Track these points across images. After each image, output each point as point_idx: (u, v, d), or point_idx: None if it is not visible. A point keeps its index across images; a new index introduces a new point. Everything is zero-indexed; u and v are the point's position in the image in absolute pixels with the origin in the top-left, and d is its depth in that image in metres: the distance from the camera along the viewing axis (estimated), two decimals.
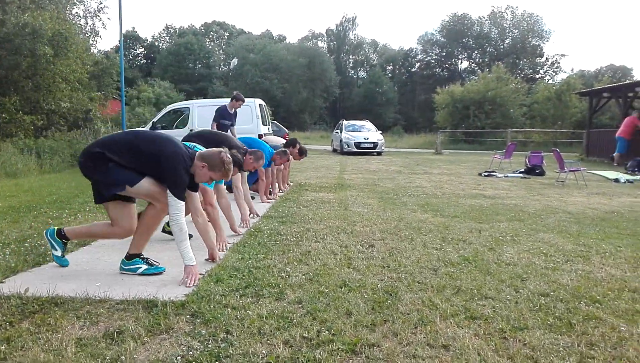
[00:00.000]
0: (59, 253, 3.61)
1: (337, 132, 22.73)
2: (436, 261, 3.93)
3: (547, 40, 65.64)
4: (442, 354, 2.33)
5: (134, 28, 59.77)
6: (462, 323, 2.70)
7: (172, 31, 61.34)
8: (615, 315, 2.85)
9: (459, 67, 58.01)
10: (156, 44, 60.57)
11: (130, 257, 3.50)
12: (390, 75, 59.37)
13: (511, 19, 55.06)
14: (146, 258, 3.54)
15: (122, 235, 3.52)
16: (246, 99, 13.47)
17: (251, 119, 12.20)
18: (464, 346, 2.39)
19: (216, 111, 8.84)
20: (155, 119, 13.48)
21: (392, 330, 2.57)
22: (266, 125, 13.22)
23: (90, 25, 20.84)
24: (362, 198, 7.58)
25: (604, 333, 2.58)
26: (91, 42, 20.39)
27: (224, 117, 8.69)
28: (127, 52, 56.25)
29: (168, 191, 3.30)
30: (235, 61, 47.23)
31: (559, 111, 29.85)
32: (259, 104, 12.72)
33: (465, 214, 6.22)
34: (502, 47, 55.21)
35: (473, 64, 57.21)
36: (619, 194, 8.85)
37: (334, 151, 22.66)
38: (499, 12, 55.48)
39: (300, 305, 2.90)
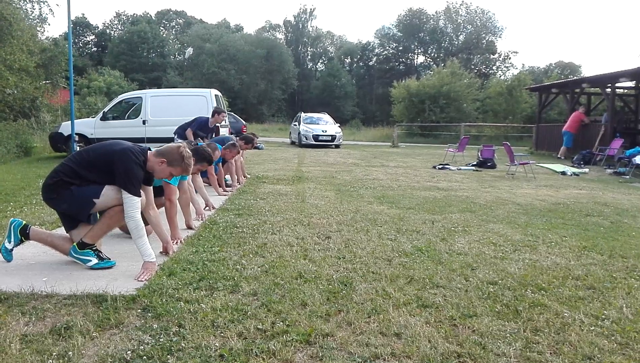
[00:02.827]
0: (10, 246, 3.44)
1: (295, 125, 22.68)
2: (390, 252, 4.00)
3: (500, 37, 67.59)
4: (394, 342, 2.37)
5: (83, 14, 57.22)
6: (414, 311, 2.76)
7: (124, 18, 59.40)
8: (560, 301, 2.98)
9: (415, 62, 58.95)
10: (107, 31, 58.57)
11: (82, 246, 3.38)
12: (348, 68, 59.67)
13: (465, 15, 56.34)
14: (98, 250, 3.43)
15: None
16: (201, 90, 13.27)
17: (207, 110, 11.99)
18: (415, 334, 2.45)
19: (195, 120, 8.77)
20: (106, 109, 13.07)
21: (346, 320, 2.60)
22: None
23: (37, 11, 19.88)
24: (319, 190, 7.60)
25: (548, 319, 2.69)
26: (38, 28, 19.46)
27: (201, 129, 8.64)
28: (76, 40, 54.15)
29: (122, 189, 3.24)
30: (190, 50, 46.27)
31: (510, 106, 30.85)
32: (215, 95, 12.54)
33: (419, 206, 6.35)
34: (456, 42, 56.44)
35: (429, 59, 58.26)
36: (566, 187, 9.25)
37: (292, 143, 22.60)
38: (454, 8, 56.66)
39: (255, 297, 2.89)
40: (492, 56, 55.43)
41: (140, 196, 3.30)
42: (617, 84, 16.79)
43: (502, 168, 12.25)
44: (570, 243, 4.55)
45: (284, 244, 4.12)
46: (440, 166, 12.60)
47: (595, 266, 3.76)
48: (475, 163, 13.24)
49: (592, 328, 2.59)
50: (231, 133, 14.78)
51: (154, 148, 3.53)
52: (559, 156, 16.12)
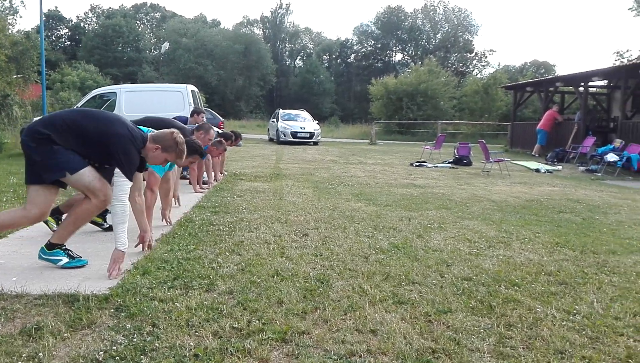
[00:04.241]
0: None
1: (273, 122, 22.58)
2: (367, 249, 4.01)
3: (476, 35, 68.39)
4: (370, 339, 2.38)
5: (57, 7, 56.27)
6: (390, 308, 2.77)
7: (99, 12, 58.27)
8: (532, 297, 3.03)
9: (394, 60, 59.26)
10: (82, 25, 57.39)
11: (51, 246, 3.29)
12: (327, 65, 59.68)
13: (443, 13, 56.87)
14: (68, 249, 3.35)
15: (33, 220, 3.29)
16: (177, 85, 13.08)
17: (183, 106, 11.86)
18: (391, 330, 2.46)
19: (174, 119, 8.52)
20: (79, 105, 12.80)
21: (322, 317, 2.60)
22: None
23: (7, 2, 19.35)
24: (297, 187, 7.59)
25: (521, 315, 2.73)
26: (9, 21, 18.94)
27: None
28: (49, 33, 52.93)
29: (117, 170, 3.17)
30: (166, 45, 45.69)
31: (486, 104, 31.24)
32: (191, 91, 12.40)
33: (396, 203, 6.38)
34: (434, 41, 56.93)
35: (407, 57, 58.66)
36: (539, 184, 9.41)
37: (271, 140, 22.52)
38: (431, 6, 57.15)
39: (231, 296, 2.86)
40: (468, 55, 56.10)
41: (132, 181, 3.25)
42: (589, 83, 17.14)
43: (478, 165, 12.41)
44: (543, 239, 4.63)
45: (260, 242, 4.10)
46: (417, 164, 12.70)
47: (567, 262, 3.83)
48: (451, 160, 13.39)
49: (564, 323, 2.64)
50: (220, 125, 14.66)
51: None
52: (533, 153, 16.41)
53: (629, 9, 41.38)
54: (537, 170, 12.21)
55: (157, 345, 2.23)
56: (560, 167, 13.11)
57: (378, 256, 3.82)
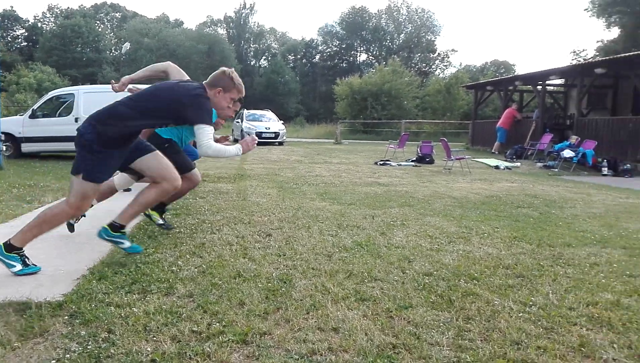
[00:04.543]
0: (127, 243, 3.38)
1: (237, 122, 22.40)
2: (331, 248, 4.02)
3: (439, 35, 69.62)
4: (332, 337, 2.38)
5: (12, 7, 54.25)
6: (352, 305, 2.78)
7: (57, 12, 56.52)
8: (490, 290, 3.10)
9: (358, 60, 59.68)
10: (39, 25, 55.50)
11: (10, 248, 3.11)
12: (292, 65, 59.58)
13: (406, 14, 57.65)
14: (25, 256, 3.18)
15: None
16: (138, 86, 12.79)
17: None
18: (352, 327, 2.47)
19: None
20: (35, 106, 12.41)
21: (284, 317, 2.59)
22: None
23: None
24: (261, 187, 7.54)
25: (479, 308, 2.79)
26: None
27: None
28: (4, 34, 51.01)
29: (198, 124, 3.14)
30: (127, 45, 44.71)
31: (448, 103, 31.88)
32: None
33: (360, 202, 6.42)
34: (397, 41, 57.64)
35: (371, 57, 59.19)
36: (499, 180, 9.65)
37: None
38: (395, 6, 57.84)
39: (191, 299, 2.82)
40: (431, 55, 57.03)
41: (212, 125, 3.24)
42: (547, 82, 17.68)
43: (440, 163, 12.63)
44: (501, 233, 4.74)
45: (223, 243, 4.05)
46: (381, 162, 12.83)
47: (524, 256, 3.94)
48: (414, 158, 13.58)
49: (521, 314, 2.70)
50: None
51: None
52: (493, 151, 16.81)
53: (585, 9, 43.01)
54: (497, 167, 12.52)
55: (113, 351, 2.17)
56: (519, 164, 13.48)
57: (341, 254, 3.83)
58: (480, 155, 15.92)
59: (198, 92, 3.26)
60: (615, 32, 42.22)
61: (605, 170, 11.86)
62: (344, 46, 58.45)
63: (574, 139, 13.54)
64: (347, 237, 4.40)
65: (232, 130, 24.17)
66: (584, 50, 50.08)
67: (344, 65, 57.81)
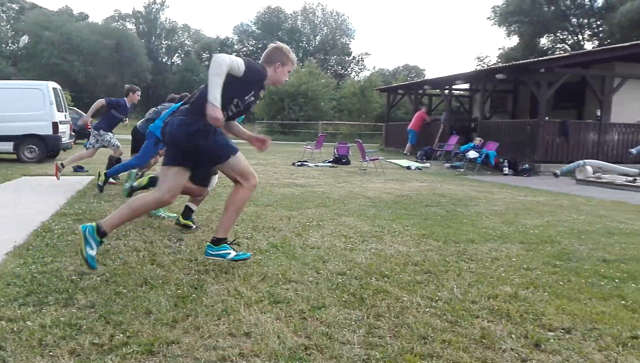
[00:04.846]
0: (94, 252, 3.17)
1: None
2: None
3: (353, 39, 71.30)
4: (243, 342, 2.33)
5: None
6: (265, 308, 2.75)
7: None
8: (400, 287, 3.19)
9: None
10: None
11: (217, 242, 3.42)
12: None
13: (322, 16, 58.46)
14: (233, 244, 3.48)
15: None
16: (37, 82, 11.91)
17: (43, 105, 10.84)
18: (265, 331, 2.43)
19: (114, 103, 8.07)
20: None
21: (194, 325, 2.49)
22: (62, 111, 11.88)
23: None
24: None
25: (389, 304, 2.86)
26: None
27: (121, 112, 8.11)
28: None
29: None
30: (25, 38, 41.37)
31: (363, 105, 32.76)
32: (53, 88, 11.36)
33: (277, 203, 6.39)
34: (313, 43, 58.31)
35: None
36: (410, 180, 10.04)
37: None
38: (311, 8, 58.47)
39: (92, 310, 2.63)
40: (346, 58, 58.28)
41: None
42: (453, 86, 18.71)
43: (356, 164, 12.91)
44: (411, 231, 4.92)
45: (129, 249, 3.84)
46: (299, 163, 12.88)
47: (431, 252, 4.11)
48: (331, 159, 13.79)
49: (427, 309, 2.81)
50: (73, 130, 13.55)
51: None
52: (405, 152, 17.50)
53: (488, 18, 46.01)
54: (408, 167, 13.03)
55: None
56: (428, 164, 14.12)
57: (256, 257, 3.78)
58: (393, 156, 16.49)
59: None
60: (514, 40, 45.59)
61: (506, 170, 12.73)
62: (260, 46, 58.08)
63: (477, 140, 14.40)
64: (262, 239, 4.35)
65: None
66: (487, 56, 53.53)
67: None
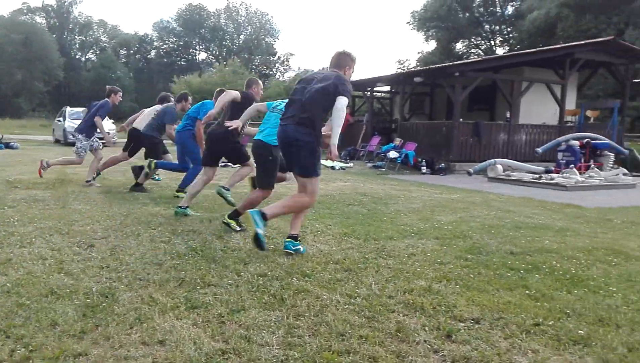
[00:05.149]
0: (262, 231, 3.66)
1: (59, 121, 20.27)
2: (162, 256, 3.82)
3: (277, 39, 71.23)
4: (157, 350, 2.25)
5: None
6: (181, 315, 2.67)
7: None
8: (320, 285, 3.22)
9: (198, 58, 58.25)
10: None
11: (295, 238, 4.03)
12: (124, 60, 55.82)
13: (245, 15, 57.89)
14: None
15: (311, 204, 4.17)
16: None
17: None
18: (180, 338, 2.36)
19: (98, 106, 8.03)
20: None
21: (104, 335, 2.37)
22: None
23: None
24: (85, 193, 6.88)
25: (309, 304, 2.88)
26: None
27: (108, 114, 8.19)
28: None
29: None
30: None
31: None
32: None
33: (199, 205, 6.24)
34: (237, 42, 57.62)
35: (211, 56, 58.21)
36: (334, 180, 10.17)
37: (57, 141, 20.16)
38: (234, 7, 57.74)
39: None
40: (271, 58, 58.11)
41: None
42: (375, 88, 19.19)
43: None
44: (333, 230, 4.98)
45: (34, 258, 3.58)
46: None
47: (352, 250, 4.18)
48: None
49: (346, 306, 2.86)
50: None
51: None
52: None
53: (407, 22, 47.68)
54: (333, 168, 13.21)
55: None
56: (352, 164, 14.40)
57: (174, 261, 3.66)
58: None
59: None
60: (432, 45, 47.62)
61: (424, 169, 13.26)
62: (181, 43, 56.59)
63: (397, 141, 14.89)
64: (181, 243, 4.22)
65: (53, 130, 21.80)
66: (407, 60, 55.43)
67: (183, 63, 56.02)
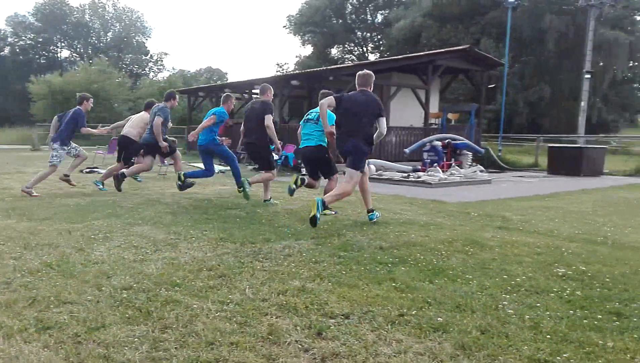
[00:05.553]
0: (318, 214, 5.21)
1: None
2: (11, 273, 3.42)
3: (149, 37, 68.00)
4: None
5: None
6: (30, 337, 2.40)
7: None
8: (192, 294, 3.10)
9: (60, 56, 53.52)
10: None
11: (372, 211, 5.86)
12: None
13: (113, 12, 54.47)
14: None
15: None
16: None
17: None
18: (28, 362, 2.12)
19: (73, 116, 7.96)
20: None
21: None
22: None
23: None
24: None
25: (178, 314, 2.75)
26: None
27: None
28: None
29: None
30: None
31: None
32: None
33: (57, 216, 5.70)
34: (105, 39, 54.01)
35: (75, 54, 53.85)
36: (212, 184, 9.95)
37: None
38: (101, 3, 53.99)
39: None
40: (143, 57, 55.30)
41: None
42: (253, 91, 19.11)
43: (156, 168, 12.28)
44: (209, 236, 4.84)
45: None
46: (88, 170, 11.78)
47: (227, 255, 4.09)
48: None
49: (218, 314, 2.77)
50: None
51: None
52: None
53: (284, 26, 48.32)
54: None
55: None
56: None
57: (24, 279, 3.30)
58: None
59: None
60: (309, 49, 48.76)
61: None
62: (40, 40, 51.56)
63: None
64: (34, 258, 3.82)
65: None
66: (286, 63, 56.08)
67: (42, 61, 51.10)
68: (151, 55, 55.71)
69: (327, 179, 6.56)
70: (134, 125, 8.54)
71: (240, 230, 5.21)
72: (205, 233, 4.97)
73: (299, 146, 6.83)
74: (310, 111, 6.66)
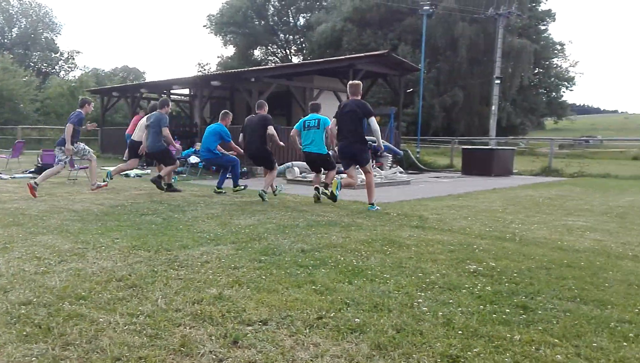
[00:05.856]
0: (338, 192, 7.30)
1: None
2: None
3: (59, 34, 64.05)
4: None
5: None
6: None
7: None
8: (98, 307, 2.90)
9: None
10: None
11: (372, 204, 7.21)
12: None
13: (19, 6, 50.68)
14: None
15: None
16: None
17: None
18: None
19: (73, 116, 8.57)
20: None
21: None
22: None
23: None
24: None
25: (82, 330, 2.56)
26: None
27: (79, 123, 8.57)
28: None
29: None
30: None
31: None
32: None
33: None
34: (10, 35, 50.13)
35: None
36: (127, 189, 9.49)
37: None
38: None
39: None
40: (53, 54, 51.91)
41: None
42: (172, 91, 18.51)
43: (66, 173, 11.54)
44: (121, 244, 4.58)
45: None
46: None
47: (140, 264, 3.89)
48: (33, 169, 12.01)
49: (126, 327, 2.61)
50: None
51: None
52: (125, 158, 16.50)
53: (204, 26, 47.27)
54: (127, 175, 12.33)
55: None
56: (149, 171, 13.62)
57: None
58: (110, 163, 15.36)
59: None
60: (232, 50, 48.06)
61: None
62: None
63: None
64: None
65: None
66: (207, 63, 54.91)
67: None
68: (61, 53, 52.35)
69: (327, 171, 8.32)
70: (140, 129, 9.69)
71: (155, 236, 4.99)
72: (116, 241, 4.70)
73: (302, 150, 8.57)
74: (306, 117, 8.74)
